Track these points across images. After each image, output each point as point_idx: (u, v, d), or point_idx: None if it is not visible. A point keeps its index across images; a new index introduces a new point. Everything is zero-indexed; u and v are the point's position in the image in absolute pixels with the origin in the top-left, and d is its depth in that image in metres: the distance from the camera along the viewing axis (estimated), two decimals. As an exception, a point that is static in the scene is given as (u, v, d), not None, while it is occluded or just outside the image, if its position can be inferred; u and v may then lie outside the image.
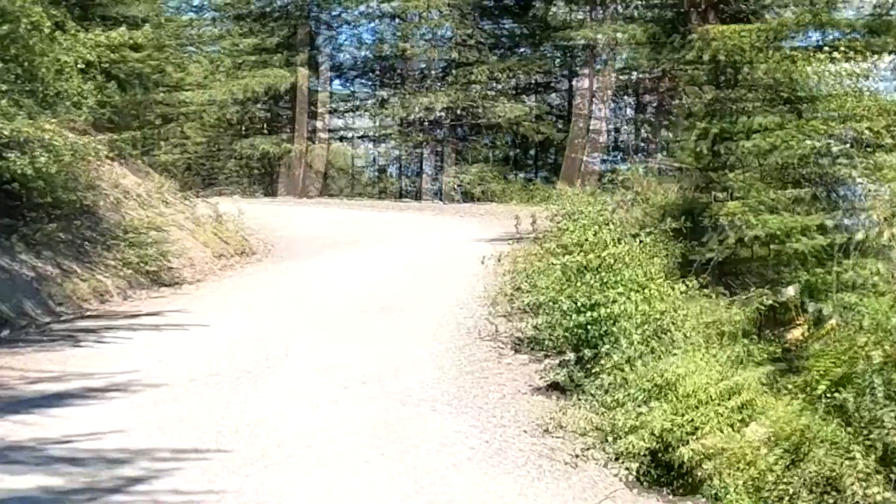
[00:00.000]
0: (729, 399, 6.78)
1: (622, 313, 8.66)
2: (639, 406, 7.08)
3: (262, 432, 7.34)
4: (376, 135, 42.04)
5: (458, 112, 37.83)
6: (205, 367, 9.40)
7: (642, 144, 37.89)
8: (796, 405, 6.76)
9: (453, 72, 36.64)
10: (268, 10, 39.96)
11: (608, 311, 8.71)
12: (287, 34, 39.32)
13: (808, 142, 15.73)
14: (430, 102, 36.09)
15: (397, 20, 40.44)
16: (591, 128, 33.07)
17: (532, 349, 10.48)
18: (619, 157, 42.89)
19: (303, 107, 38.13)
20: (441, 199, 36.22)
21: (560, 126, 39.99)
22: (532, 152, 42.91)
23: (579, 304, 9.06)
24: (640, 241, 10.42)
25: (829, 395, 6.81)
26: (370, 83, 44.53)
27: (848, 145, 14.41)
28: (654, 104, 36.85)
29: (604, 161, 38.57)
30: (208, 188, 34.15)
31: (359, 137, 44.46)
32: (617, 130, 40.61)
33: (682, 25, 20.00)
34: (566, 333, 9.26)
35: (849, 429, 6.53)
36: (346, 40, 42.75)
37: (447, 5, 36.28)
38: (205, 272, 17.02)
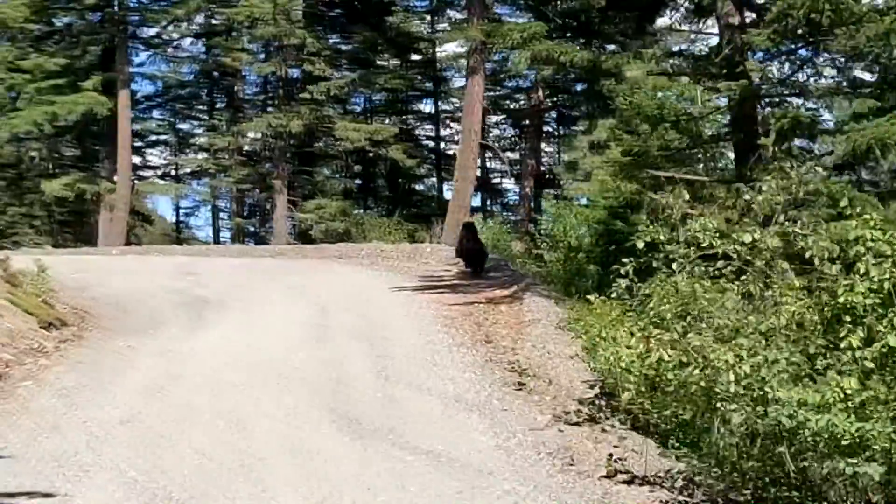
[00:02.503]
0: None
1: None
2: None
3: None
4: (209, 169, 35.23)
5: (303, 137, 31.79)
6: None
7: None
8: None
9: (310, 88, 30.44)
10: (77, 26, 32.76)
11: None
12: (99, 52, 32.26)
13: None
14: (280, 125, 29.76)
15: (229, 34, 34.06)
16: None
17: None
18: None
19: (125, 138, 30.97)
20: (296, 241, 30.08)
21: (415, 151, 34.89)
22: (383, 183, 37.56)
23: None
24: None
25: None
26: (196, 109, 38.12)
27: None
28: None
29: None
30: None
31: (188, 174, 37.70)
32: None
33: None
34: None
35: None
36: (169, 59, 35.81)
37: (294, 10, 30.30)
38: (2, 365, 10.65)
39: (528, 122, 32.46)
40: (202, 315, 13.37)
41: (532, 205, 29.80)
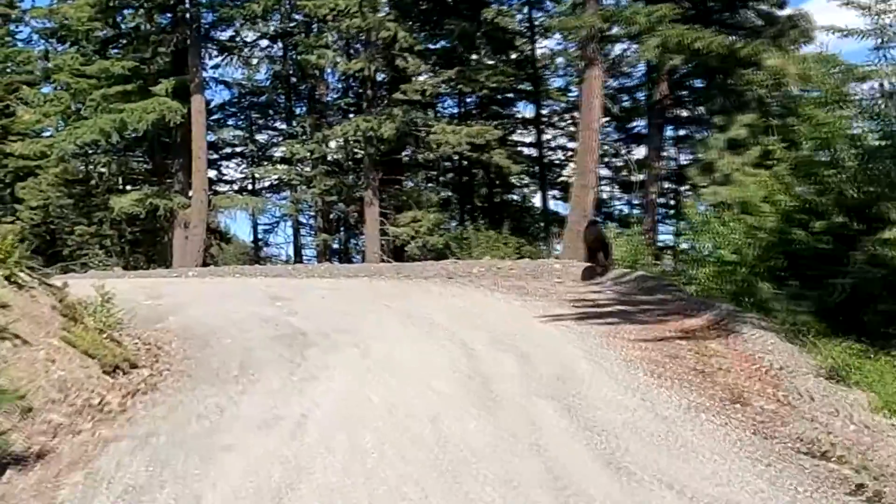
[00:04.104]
0: None
1: None
2: None
3: None
4: (290, 180, 32.26)
5: (392, 144, 28.65)
6: None
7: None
8: None
9: (403, 87, 27.32)
10: (146, 28, 30.13)
11: None
12: (169, 56, 29.66)
13: None
14: (371, 129, 26.64)
15: (308, 32, 31.14)
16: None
17: None
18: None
19: (199, 148, 28.13)
20: (389, 258, 26.99)
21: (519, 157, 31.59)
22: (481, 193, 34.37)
23: None
24: None
25: None
26: (274, 118, 35.34)
27: None
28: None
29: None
30: (56, 264, 24.96)
31: (267, 188, 34.95)
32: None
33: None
34: None
35: None
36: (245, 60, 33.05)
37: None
38: (46, 431, 7.65)
39: (648, 120, 28.89)
40: (305, 355, 10.22)
41: (657, 214, 26.33)
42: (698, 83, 29.25)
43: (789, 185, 16.80)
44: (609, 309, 12.52)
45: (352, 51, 30.82)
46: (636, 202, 33.82)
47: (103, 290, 11.37)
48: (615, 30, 25.63)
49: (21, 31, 35.24)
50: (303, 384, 8.81)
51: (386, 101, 28.18)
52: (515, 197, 36.78)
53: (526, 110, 35.75)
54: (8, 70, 32.48)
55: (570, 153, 35.03)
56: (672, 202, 31.61)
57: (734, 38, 23.85)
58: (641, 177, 28.87)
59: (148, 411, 8.29)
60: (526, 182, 35.64)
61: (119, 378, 9.85)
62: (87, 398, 8.95)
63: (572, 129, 34.78)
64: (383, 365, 9.47)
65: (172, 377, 9.76)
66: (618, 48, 30.47)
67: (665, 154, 30.73)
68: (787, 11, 26.27)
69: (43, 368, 9.11)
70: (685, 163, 31.34)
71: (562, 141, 36.48)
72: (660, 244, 27.49)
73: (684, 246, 21.61)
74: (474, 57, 31.27)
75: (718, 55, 23.30)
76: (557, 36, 33.81)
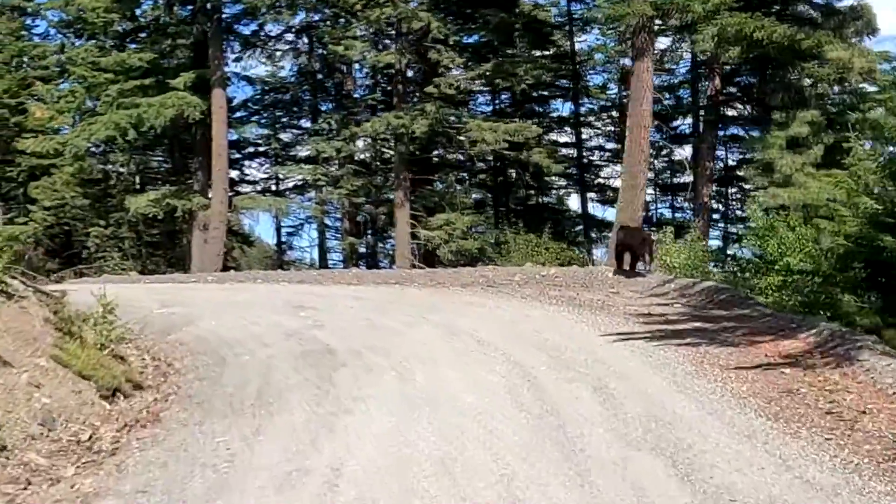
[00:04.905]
0: None
1: None
2: None
3: None
4: (316, 180, 30.62)
5: (424, 142, 27.06)
6: None
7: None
8: None
9: (436, 81, 25.70)
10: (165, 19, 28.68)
11: None
12: (190, 49, 28.29)
13: None
14: (402, 126, 25.05)
15: (335, 23, 29.54)
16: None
17: None
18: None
19: (220, 145, 26.63)
20: (420, 263, 25.39)
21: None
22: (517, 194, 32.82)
23: None
24: None
25: None
26: (298, 115, 33.81)
27: None
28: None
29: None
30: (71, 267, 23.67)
31: (290, 189, 33.45)
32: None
33: None
34: None
35: None
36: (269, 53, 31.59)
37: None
38: (18, 478, 6.24)
39: (695, 118, 27.19)
40: (334, 380, 8.64)
41: (709, 217, 24.58)
42: (749, 79, 27.49)
43: (871, 185, 15.03)
44: (684, 326, 10.84)
45: (381, 45, 29.26)
46: (678, 205, 32.16)
47: (105, 300, 9.88)
48: (658, 22, 23.97)
49: (37, 26, 33.93)
50: (332, 420, 7.25)
51: (417, 97, 26.58)
52: (552, 200, 35.23)
53: (563, 108, 34.16)
54: (23, 65, 31.09)
55: (608, 154, 33.41)
56: (719, 205, 29.87)
57: (795, 28, 22.12)
58: (689, 178, 27.16)
59: (144, 454, 6.76)
60: (563, 184, 34.04)
61: (118, 403, 8.42)
62: (75, 432, 7.54)
63: (611, 128, 33.18)
64: (428, 396, 7.86)
65: (179, 404, 8.26)
66: (661, 43, 28.80)
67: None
68: (848, 2, 24.44)
69: (24, 395, 7.70)
70: (733, 164, 29.60)
71: (600, 141, 34.83)
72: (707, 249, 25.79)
73: (738, 252, 19.95)
74: (510, 51, 29.62)
75: (777, 46, 21.60)
76: (596, 31, 32.27)
